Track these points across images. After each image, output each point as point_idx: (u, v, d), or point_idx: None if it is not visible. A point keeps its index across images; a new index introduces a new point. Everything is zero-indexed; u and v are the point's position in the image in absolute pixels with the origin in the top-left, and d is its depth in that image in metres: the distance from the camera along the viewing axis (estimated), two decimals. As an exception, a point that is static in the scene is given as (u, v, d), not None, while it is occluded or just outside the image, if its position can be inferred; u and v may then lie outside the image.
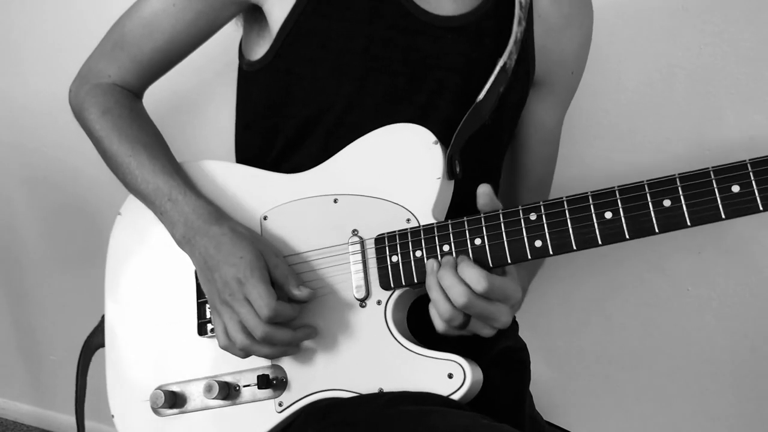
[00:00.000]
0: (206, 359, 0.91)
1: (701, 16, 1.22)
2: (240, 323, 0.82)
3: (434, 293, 0.77)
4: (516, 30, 0.92)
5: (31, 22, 1.66)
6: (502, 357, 0.95)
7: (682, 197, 0.72)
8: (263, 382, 0.85)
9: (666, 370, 1.37)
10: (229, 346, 0.84)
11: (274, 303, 0.80)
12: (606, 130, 1.32)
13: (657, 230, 0.73)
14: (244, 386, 0.88)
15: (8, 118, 1.75)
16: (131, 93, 1.02)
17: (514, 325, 1.08)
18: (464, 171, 0.88)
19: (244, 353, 0.84)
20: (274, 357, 0.85)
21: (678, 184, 0.73)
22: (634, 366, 1.39)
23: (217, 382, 0.88)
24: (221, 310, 0.83)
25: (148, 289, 0.98)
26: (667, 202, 0.73)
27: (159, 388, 0.92)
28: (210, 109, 1.51)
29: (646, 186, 0.74)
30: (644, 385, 1.39)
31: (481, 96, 0.89)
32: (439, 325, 0.78)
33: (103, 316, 1.01)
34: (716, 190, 0.71)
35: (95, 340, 1.01)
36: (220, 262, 0.83)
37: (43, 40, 1.65)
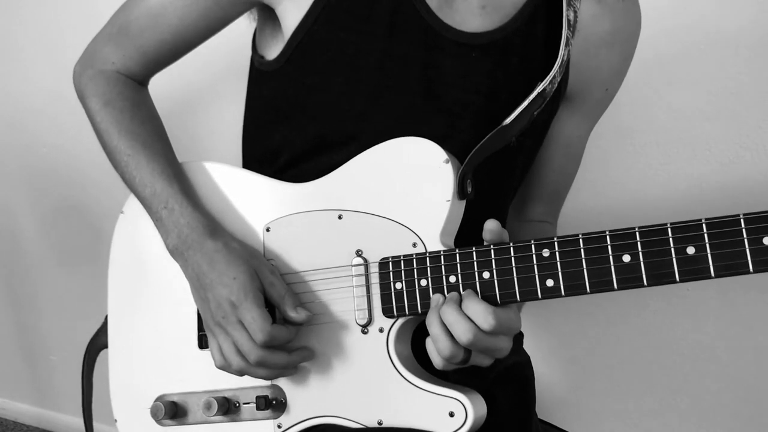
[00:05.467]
0: (207, 372, 0.89)
1: (702, 17, 1.18)
2: (234, 345, 0.80)
3: (434, 329, 0.74)
4: (563, 52, 0.84)
5: (33, 21, 1.62)
6: (507, 375, 0.92)
7: (707, 246, 0.67)
8: (262, 403, 0.84)
9: (666, 370, 1.36)
10: (224, 367, 0.82)
11: (269, 327, 0.78)
12: (605, 132, 1.27)
13: (678, 279, 0.68)
14: (244, 404, 0.87)
15: (8, 118, 1.73)
16: (135, 82, 0.98)
17: (519, 336, 1.04)
18: (478, 191, 0.83)
19: (240, 375, 0.82)
20: (271, 378, 0.84)
21: (704, 231, 0.67)
22: (635, 366, 1.38)
23: (216, 399, 0.86)
24: (215, 331, 0.82)
25: (151, 292, 0.96)
26: (691, 250, 0.67)
27: (160, 397, 0.91)
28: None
29: (669, 230, 0.68)
30: (644, 386, 1.38)
31: (509, 120, 0.83)
32: (438, 362, 0.75)
33: (106, 317, 1.00)
34: (746, 241, 0.65)
35: (99, 341, 1.00)
36: (214, 281, 0.81)
37: (44, 40, 1.62)
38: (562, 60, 0.85)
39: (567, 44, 0.85)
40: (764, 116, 1.19)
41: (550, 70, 0.84)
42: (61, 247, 1.79)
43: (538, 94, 0.83)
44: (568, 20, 0.86)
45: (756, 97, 1.19)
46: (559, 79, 0.86)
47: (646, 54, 1.22)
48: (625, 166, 1.31)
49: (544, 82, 0.84)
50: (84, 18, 1.52)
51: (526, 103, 0.83)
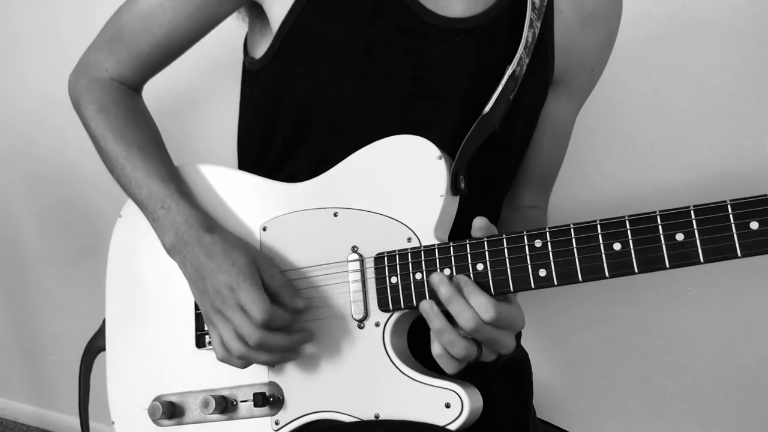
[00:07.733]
0: (204, 371, 0.90)
1: (702, 17, 1.18)
2: (234, 331, 0.80)
3: (438, 322, 0.74)
4: (526, 34, 0.87)
5: (31, 21, 1.64)
6: (505, 370, 0.93)
7: (696, 232, 0.68)
8: (259, 400, 0.84)
9: (666, 370, 1.36)
10: (226, 357, 0.82)
11: (269, 306, 0.78)
12: (604, 130, 1.29)
13: (668, 265, 0.69)
14: (242, 401, 0.87)
15: (8, 118, 1.75)
16: (129, 88, 0.99)
17: (518, 333, 1.05)
18: (471, 185, 0.84)
19: (242, 362, 0.82)
20: (274, 363, 0.83)
21: (693, 217, 0.68)
22: (634, 366, 1.38)
23: (213, 397, 0.87)
24: (215, 319, 0.82)
25: (149, 295, 0.96)
26: (680, 236, 0.69)
27: (158, 398, 0.92)
28: (214, 107, 1.49)
29: (658, 217, 0.70)
30: (644, 386, 1.38)
31: (487, 108, 0.85)
32: (451, 365, 0.75)
33: (104, 320, 1.00)
34: (733, 226, 0.67)
35: (97, 344, 1.00)
36: (213, 270, 0.81)
37: (43, 40, 1.64)
38: (527, 42, 0.86)
39: (531, 26, 0.87)
40: (764, 116, 1.20)
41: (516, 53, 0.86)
42: (62, 246, 1.79)
43: (510, 77, 0.85)
44: (533, 3, 0.88)
45: (756, 97, 1.20)
46: (528, 60, 0.88)
47: (646, 53, 1.24)
48: (625, 167, 1.31)
49: (512, 65, 0.86)
50: (82, 19, 1.54)
51: (500, 88, 0.85)
